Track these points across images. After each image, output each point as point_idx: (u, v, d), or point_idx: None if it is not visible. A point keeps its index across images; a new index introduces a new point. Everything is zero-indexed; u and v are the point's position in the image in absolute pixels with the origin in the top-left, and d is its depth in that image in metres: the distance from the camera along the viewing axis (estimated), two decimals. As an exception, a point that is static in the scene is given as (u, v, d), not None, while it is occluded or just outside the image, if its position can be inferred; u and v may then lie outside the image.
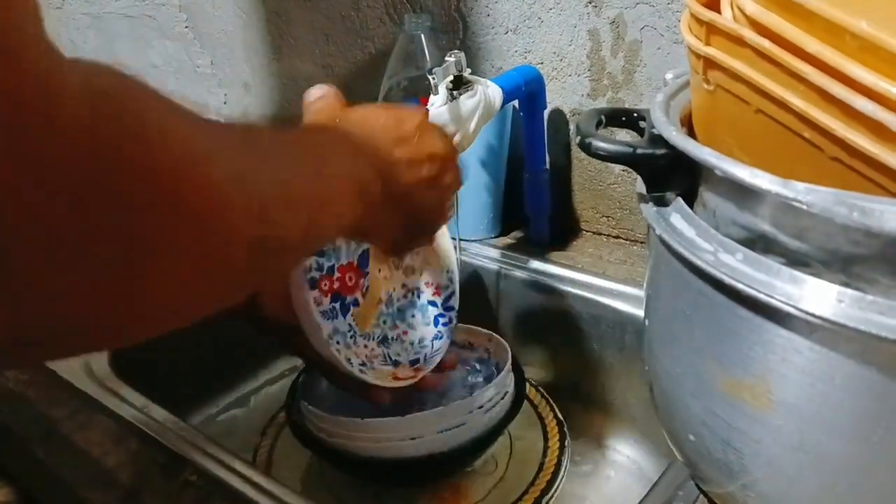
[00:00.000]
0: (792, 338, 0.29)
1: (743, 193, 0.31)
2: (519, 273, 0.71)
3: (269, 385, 0.78)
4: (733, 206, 0.32)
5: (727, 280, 0.30)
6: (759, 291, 0.29)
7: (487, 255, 0.74)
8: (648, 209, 0.36)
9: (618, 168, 0.70)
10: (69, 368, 0.57)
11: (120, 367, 0.59)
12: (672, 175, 0.35)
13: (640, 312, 0.63)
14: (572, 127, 0.74)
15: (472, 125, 0.58)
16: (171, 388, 0.70)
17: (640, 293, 0.64)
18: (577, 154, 0.75)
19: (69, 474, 0.46)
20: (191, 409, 0.72)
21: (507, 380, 0.55)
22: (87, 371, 0.57)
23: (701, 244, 0.32)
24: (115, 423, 0.51)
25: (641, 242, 0.73)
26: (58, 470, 0.47)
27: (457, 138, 0.57)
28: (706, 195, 0.34)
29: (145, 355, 0.65)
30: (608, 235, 0.76)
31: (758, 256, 0.30)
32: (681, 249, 0.32)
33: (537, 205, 0.73)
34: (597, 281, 0.67)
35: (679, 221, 0.34)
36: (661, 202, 0.36)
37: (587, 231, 0.77)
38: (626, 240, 0.74)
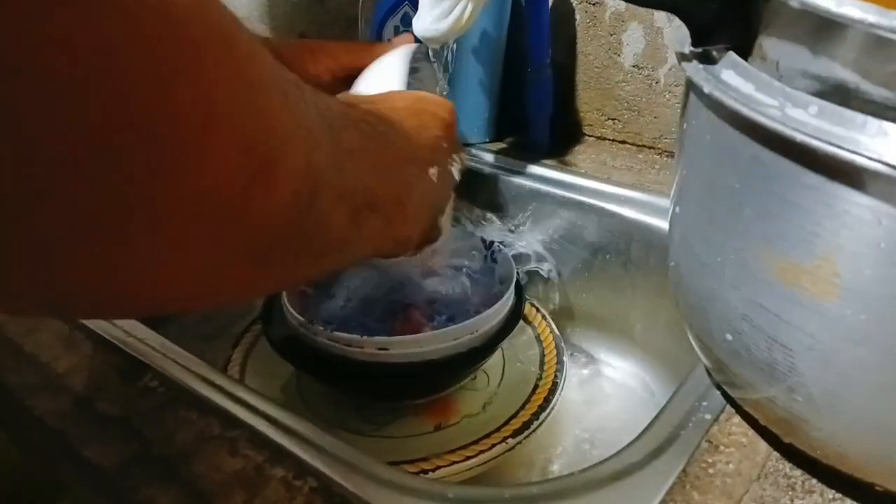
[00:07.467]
0: (873, 205, 0.24)
1: (821, 32, 0.25)
2: (516, 179, 0.65)
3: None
4: (806, 50, 0.26)
5: (799, 137, 0.24)
6: (842, 148, 0.23)
7: (482, 160, 0.68)
8: (693, 67, 0.30)
9: (628, 63, 0.64)
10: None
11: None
12: (723, 24, 0.30)
13: (649, 220, 0.58)
14: (578, 17, 0.67)
15: (468, 8, 0.51)
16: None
17: (649, 199, 0.59)
18: (582, 49, 0.68)
19: (14, 380, 0.41)
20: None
21: (510, 299, 0.51)
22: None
23: (763, 99, 0.26)
24: (67, 327, 0.45)
25: (650, 147, 0.67)
26: (1, 376, 0.42)
27: (449, 22, 0.51)
28: (767, 44, 0.28)
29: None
30: (613, 140, 0.70)
31: (837, 108, 0.24)
32: (738, 107, 0.27)
33: (539, 104, 0.66)
34: (601, 186, 0.61)
35: (733, 77, 0.28)
36: (708, 59, 0.30)
37: (590, 136, 0.71)
38: (633, 145, 0.69)
